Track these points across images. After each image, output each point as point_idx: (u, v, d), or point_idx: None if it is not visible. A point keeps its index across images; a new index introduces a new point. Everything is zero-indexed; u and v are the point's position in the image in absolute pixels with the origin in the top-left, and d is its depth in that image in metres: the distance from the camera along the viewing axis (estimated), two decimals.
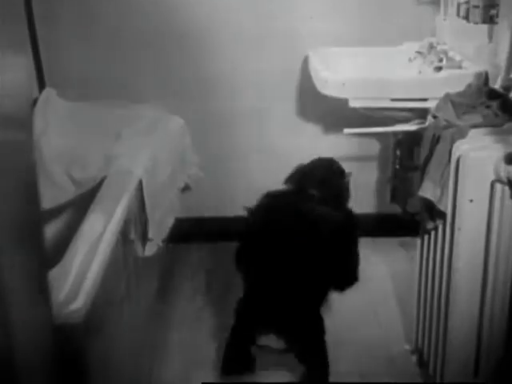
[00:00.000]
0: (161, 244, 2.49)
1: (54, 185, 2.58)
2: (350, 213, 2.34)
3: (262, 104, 3.09)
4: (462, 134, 1.93)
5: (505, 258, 1.88)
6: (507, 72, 2.11)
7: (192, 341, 2.59)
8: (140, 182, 2.34)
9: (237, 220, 2.29)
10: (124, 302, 2.08)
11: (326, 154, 2.97)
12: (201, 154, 3.05)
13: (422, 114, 2.39)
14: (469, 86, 2.21)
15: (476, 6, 2.26)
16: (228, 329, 2.37)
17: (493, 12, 2.22)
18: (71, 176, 2.61)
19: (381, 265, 3.07)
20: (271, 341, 2.24)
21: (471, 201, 1.86)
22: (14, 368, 1.05)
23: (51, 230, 2.45)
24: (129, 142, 2.58)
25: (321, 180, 2.34)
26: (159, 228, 2.49)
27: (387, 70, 2.74)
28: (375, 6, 2.96)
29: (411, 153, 2.71)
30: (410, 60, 2.76)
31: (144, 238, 2.39)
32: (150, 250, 2.41)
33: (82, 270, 1.72)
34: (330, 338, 2.56)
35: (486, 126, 1.97)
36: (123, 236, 2.09)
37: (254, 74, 3.06)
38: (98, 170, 2.48)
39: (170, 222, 2.65)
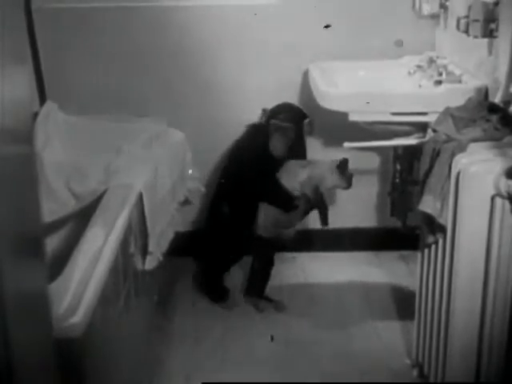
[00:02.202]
0: (161, 257, 2.48)
1: (54, 198, 2.58)
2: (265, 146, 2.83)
3: None
4: (462, 148, 1.94)
5: (505, 273, 1.88)
6: (507, 86, 2.12)
7: (192, 355, 2.58)
8: (140, 196, 2.33)
9: None
10: (123, 316, 2.07)
11: None
12: (201, 167, 3.05)
13: (422, 127, 2.40)
14: (469, 99, 2.21)
15: (476, 20, 2.27)
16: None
17: (492, 26, 2.22)
18: (72, 189, 2.61)
19: (381, 278, 3.07)
20: None
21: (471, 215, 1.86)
22: (12, 382, 1.05)
23: (51, 244, 2.44)
24: (129, 156, 2.58)
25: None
26: (159, 241, 2.48)
27: (387, 84, 2.74)
28: (375, 19, 2.97)
29: (411, 167, 2.72)
30: (409, 74, 2.77)
31: (144, 252, 2.38)
32: (150, 263, 2.41)
33: (81, 284, 1.71)
34: (329, 351, 2.57)
35: (486, 140, 1.97)
36: (123, 249, 2.08)
37: (255, 87, 3.06)
38: (98, 183, 2.48)
39: (170, 235, 2.65)
